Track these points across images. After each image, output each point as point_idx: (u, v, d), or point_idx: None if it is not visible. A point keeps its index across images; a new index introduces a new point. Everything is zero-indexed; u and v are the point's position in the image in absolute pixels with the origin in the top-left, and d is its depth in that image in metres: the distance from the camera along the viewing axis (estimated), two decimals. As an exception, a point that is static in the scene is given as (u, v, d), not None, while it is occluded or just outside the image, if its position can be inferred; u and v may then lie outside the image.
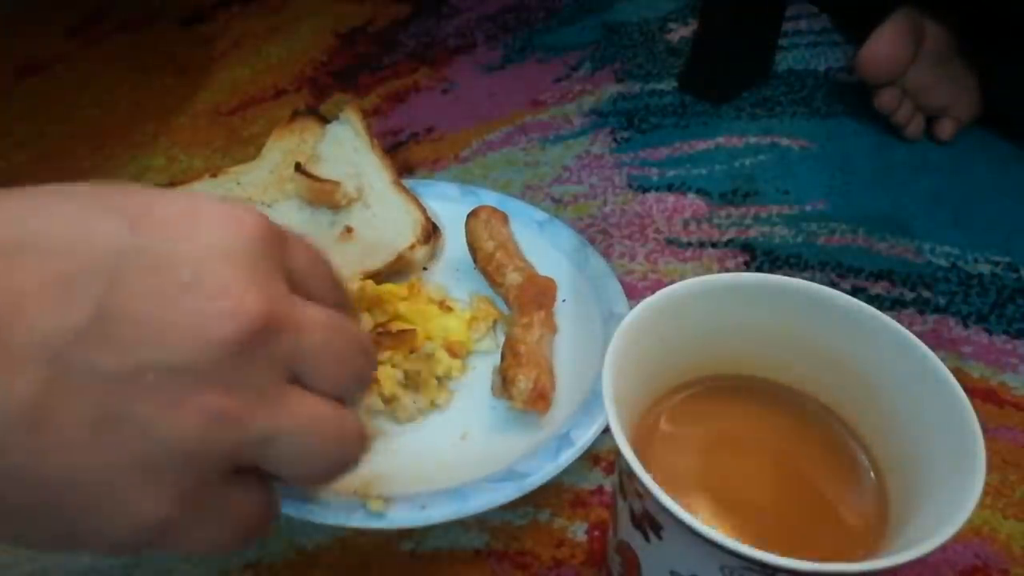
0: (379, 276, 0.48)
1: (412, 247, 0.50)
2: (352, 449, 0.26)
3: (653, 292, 0.30)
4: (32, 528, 0.22)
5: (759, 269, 0.54)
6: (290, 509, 0.36)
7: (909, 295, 0.52)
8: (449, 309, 0.47)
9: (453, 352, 0.45)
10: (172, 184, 0.53)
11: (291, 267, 0.26)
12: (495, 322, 0.47)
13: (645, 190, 0.60)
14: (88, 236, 0.22)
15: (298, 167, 0.51)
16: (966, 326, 0.50)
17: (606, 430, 0.40)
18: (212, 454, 0.22)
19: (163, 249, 0.22)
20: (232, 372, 0.22)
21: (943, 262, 0.54)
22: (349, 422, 0.26)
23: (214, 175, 0.54)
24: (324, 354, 0.25)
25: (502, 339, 0.45)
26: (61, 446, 0.21)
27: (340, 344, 0.26)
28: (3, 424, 0.20)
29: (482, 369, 0.45)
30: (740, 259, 0.55)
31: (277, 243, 0.25)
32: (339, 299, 0.28)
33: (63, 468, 0.21)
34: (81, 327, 0.21)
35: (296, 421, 0.24)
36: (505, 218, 0.51)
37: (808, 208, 0.59)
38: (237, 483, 0.24)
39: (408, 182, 0.55)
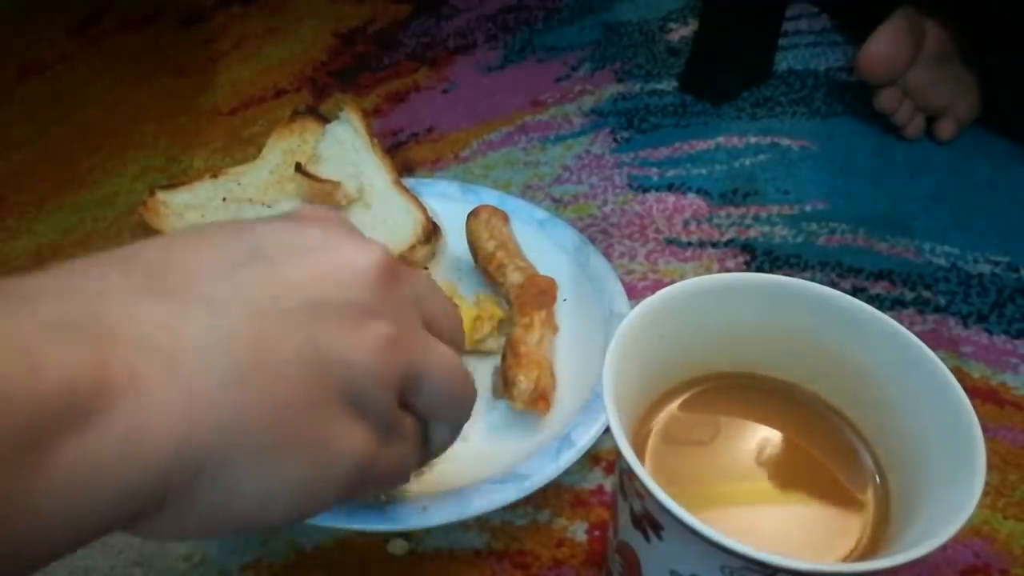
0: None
1: (413, 247, 0.50)
2: (473, 392, 0.31)
3: (653, 292, 0.30)
4: (264, 487, 0.23)
5: (759, 269, 0.54)
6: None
7: (909, 295, 0.52)
8: (455, 306, 0.46)
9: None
10: (172, 185, 0.53)
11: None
12: (500, 322, 0.47)
13: (645, 190, 0.60)
14: (233, 234, 0.25)
15: (298, 167, 0.51)
16: (966, 326, 0.50)
17: (607, 430, 0.40)
18: (390, 378, 0.25)
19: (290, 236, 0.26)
20: (387, 304, 0.26)
21: (943, 262, 0.54)
22: (465, 367, 0.30)
23: (214, 175, 0.54)
24: (440, 305, 0.30)
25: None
26: (284, 374, 0.22)
27: (448, 305, 0.31)
28: (236, 356, 0.22)
29: (483, 370, 0.45)
30: (740, 259, 0.55)
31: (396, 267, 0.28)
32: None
33: (289, 397, 0.23)
34: (261, 277, 0.23)
35: (439, 361, 0.28)
36: (506, 217, 0.51)
37: (808, 208, 0.59)
38: (404, 413, 0.28)
39: (408, 181, 0.55)
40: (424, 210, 0.52)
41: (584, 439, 0.40)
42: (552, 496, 0.41)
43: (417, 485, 0.38)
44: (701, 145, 0.65)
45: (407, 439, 0.28)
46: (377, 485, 0.28)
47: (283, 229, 0.25)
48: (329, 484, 0.24)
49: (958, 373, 0.38)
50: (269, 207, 0.51)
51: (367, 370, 0.24)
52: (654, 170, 0.62)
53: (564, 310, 0.47)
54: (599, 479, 0.42)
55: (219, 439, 0.21)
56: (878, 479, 0.30)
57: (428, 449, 0.30)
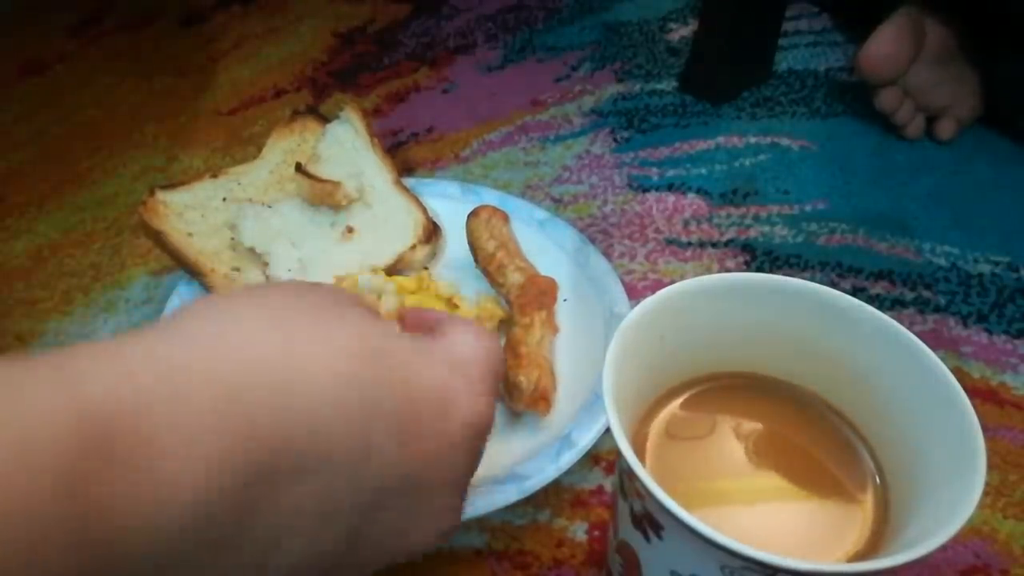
0: (380, 276, 0.48)
1: (413, 247, 0.50)
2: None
3: (653, 292, 0.30)
4: None
5: (759, 269, 0.54)
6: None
7: (909, 295, 0.52)
8: (456, 307, 0.46)
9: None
10: (172, 184, 0.52)
11: None
12: (500, 322, 0.47)
13: (645, 190, 0.60)
14: (366, 461, 0.24)
15: (298, 167, 0.51)
16: (966, 326, 0.50)
17: (607, 431, 0.40)
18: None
19: (419, 480, 0.26)
20: (471, 467, 0.29)
21: (943, 262, 0.54)
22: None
23: (214, 175, 0.54)
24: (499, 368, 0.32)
25: (504, 340, 0.45)
26: None
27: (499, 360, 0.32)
28: None
29: (482, 369, 0.45)
30: (740, 259, 0.55)
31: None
32: None
33: None
34: (335, 551, 0.24)
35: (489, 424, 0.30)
36: (506, 217, 0.51)
37: (808, 208, 0.59)
38: None
39: (409, 180, 0.55)
40: (424, 210, 0.52)
41: (585, 440, 0.40)
42: (552, 496, 0.41)
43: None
44: (701, 145, 0.65)
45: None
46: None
47: (418, 490, 0.26)
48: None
49: (958, 373, 0.38)
50: (270, 207, 0.51)
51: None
52: (654, 170, 0.62)
53: (564, 310, 0.47)
54: (599, 479, 0.42)
55: None
56: (878, 479, 0.30)
57: None
